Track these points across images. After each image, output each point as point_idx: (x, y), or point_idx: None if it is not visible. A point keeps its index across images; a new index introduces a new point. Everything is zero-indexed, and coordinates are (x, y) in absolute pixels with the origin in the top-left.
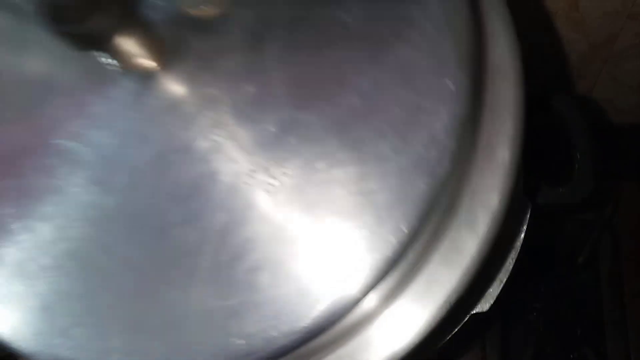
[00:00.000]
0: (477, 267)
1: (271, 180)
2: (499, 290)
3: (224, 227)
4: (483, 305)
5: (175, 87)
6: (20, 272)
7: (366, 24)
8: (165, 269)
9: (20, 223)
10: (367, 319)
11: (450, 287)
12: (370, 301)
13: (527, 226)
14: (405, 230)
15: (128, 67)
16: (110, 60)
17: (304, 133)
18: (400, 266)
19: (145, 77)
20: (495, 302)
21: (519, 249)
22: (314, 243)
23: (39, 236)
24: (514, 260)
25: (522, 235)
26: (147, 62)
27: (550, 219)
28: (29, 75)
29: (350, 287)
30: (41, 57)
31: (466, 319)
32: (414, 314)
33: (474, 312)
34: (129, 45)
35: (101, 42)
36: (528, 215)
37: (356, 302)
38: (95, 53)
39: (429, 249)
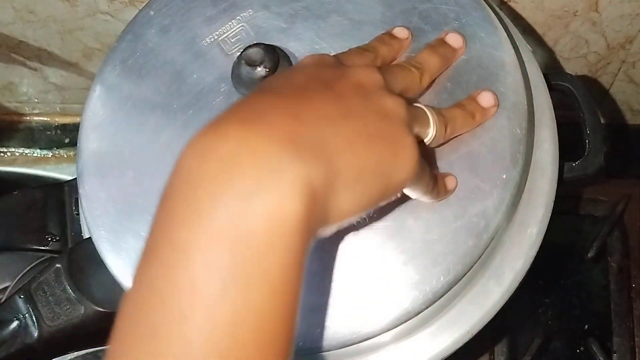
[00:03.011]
0: (497, 309)
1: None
2: None
3: None
4: None
5: None
6: None
7: None
8: None
9: None
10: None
11: (473, 321)
12: (419, 318)
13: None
14: (451, 273)
15: None
16: None
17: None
18: (442, 298)
19: None
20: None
21: None
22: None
23: None
24: None
25: None
26: None
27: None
28: None
29: (410, 304)
30: None
31: None
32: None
33: None
34: None
35: None
36: None
37: (415, 314)
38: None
39: (464, 290)
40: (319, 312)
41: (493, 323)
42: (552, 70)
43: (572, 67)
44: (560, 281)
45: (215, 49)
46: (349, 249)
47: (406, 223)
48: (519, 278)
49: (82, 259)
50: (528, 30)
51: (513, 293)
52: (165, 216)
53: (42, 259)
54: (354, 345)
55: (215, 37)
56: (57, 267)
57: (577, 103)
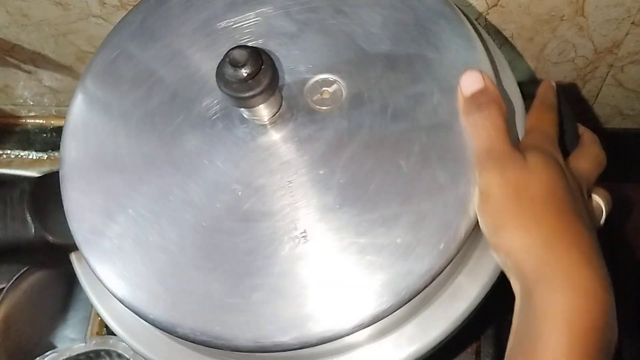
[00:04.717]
0: (472, 309)
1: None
2: None
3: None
4: None
5: (273, 139)
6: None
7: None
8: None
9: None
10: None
11: (449, 321)
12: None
13: None
14: (426, 273)
15: (257, 120)
16: (248, 113)
17: (352, 211)
18: (416, 298)
19: (259, 126)
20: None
21: None
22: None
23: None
24: None
25: None
26: (266, 119)
27: None
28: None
29: (383, 303)
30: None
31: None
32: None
33: None
34: (263, 107)
35: (250, 103)
36: None
37: (388, 313)
38: (245, 109)
39: (439, 289)
40: (290, 309)
41: (479, 323)
42: (534, 77)
43: (561, 71)
44: None
45: (197, 56)
46: (319, 250)
47: (381, 223)
48: (495, 276)
49: (48, 189)
50: (515, 35)
51: (489, 291)
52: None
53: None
54: (328, 344)
55: (194, 48)
56: (23, 188)
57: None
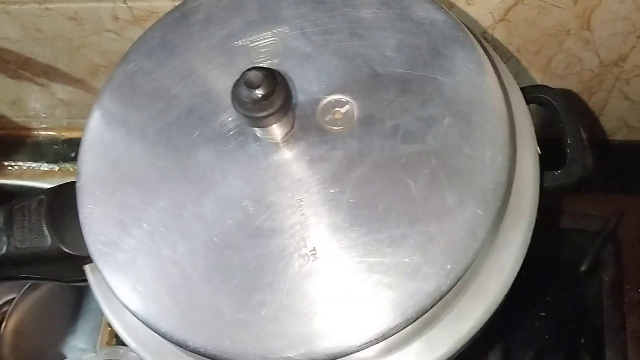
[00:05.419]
0: (480, 326)
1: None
2: None
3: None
4: None
5: (285, 158)
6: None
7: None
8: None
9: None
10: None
11: (456, 338)
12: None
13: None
14: (434, 292)
15: (270, 138)
16: (261, 132)
17: (361, 230)
18: (424, 316)
19: (272, 145)
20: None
21: None
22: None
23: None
24: None
25: None
26: (279, 137)
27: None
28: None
29: (391, 321)
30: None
31: None
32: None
33: None
34: (276, 126)
35: (263, 123)
36: None
37: (397, 331)
38: (258, 128)
39: (448, 307)
40: (298, 325)
41: (489, 337)
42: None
43: (567, 84)
44: (556, 296)
45: (214, 73)
46: (328, 268)
47: (389, 243)
48: (502, 296)
49: (64, 200)
50: (522, 48)
51: (495, 311)
52: None
53: None
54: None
55: (212, 65)
56: (41, 198)
57: (557, 114)
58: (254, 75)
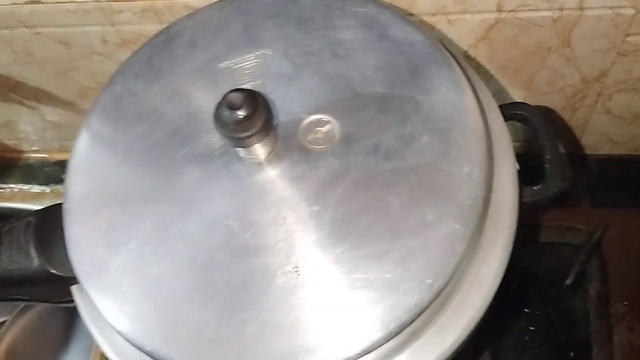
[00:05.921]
0: (462, 340)
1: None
2: None
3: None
4: None
5: (268, 177)
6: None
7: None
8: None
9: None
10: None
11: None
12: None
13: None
14: (416, 305)
15: (253, 158)
16: (244, 152)
17: (343, 247)
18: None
19: (255, 164)
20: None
21: None
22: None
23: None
24: None
25: None
26: (262, 157)
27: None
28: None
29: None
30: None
31: None
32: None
33: None
34: (259, 146)
35: (246, 143)
36: None
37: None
38: (241, 148)
39: (430, 320)
40: (282, 341)
41: (479, 351)
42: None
43: (550, 100)
44: (544, 309)
45: (198, 94)
46: (310, 284)
47: (371, 258)
48: (483, 309)
49: (51, 221)
50: (505, 65)
51: (477, 324)
52: None
53: None
54: None
55: (196, 87)
56: (29, 220)
57: (535, 130)
58: (235, 97)
